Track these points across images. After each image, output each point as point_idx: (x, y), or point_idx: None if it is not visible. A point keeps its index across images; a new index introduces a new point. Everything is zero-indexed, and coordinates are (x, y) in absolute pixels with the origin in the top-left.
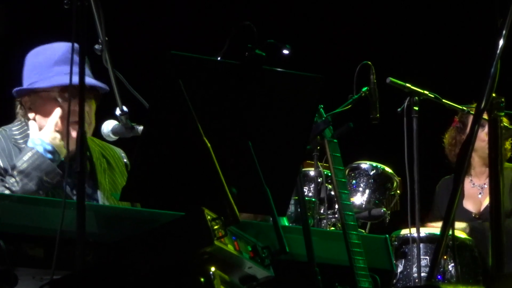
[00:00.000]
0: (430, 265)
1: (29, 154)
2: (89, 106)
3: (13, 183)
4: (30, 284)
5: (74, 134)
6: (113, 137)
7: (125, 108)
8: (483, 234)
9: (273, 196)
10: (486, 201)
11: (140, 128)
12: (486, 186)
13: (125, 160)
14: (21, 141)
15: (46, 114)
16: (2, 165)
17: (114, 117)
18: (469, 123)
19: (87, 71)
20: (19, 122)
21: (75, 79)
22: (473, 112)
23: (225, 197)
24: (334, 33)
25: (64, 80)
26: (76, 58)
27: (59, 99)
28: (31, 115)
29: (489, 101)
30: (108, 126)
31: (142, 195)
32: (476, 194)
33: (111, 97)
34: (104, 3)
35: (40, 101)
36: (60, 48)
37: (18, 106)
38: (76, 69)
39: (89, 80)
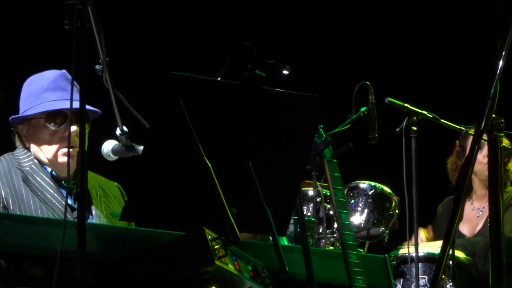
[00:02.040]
0: (430, 285)
1: None
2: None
3: None
4: None
5: (64, 159)
6: (113, 157)
7: (125, 128)
8: (473, 251)
9: (273, 216)
10: (481, 224)
11: (140, 148)
12: (485, 208)
13: (121, 191)
14: (26, 164)
15: (39, 141)
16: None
17: (114, 137)
18: (468, 147)
19: (76, 95)
20: (22, 148)
21: (62, 105)
22: (471, 133)
23: (226, 216)
24: (333, 54)
25: (49, 106)
26: (65, 84)
27: (48, 125)
28: (27, 143)
29: (488, 122)
30: (108, 146)
31: (142, 214)
32: (474, 217)
33: (112, 117)
34: (105, 23)
35: (32, 129)
36: (50, 76)
37: (16, 135)
38: (65, 95)
39: (76, 104)
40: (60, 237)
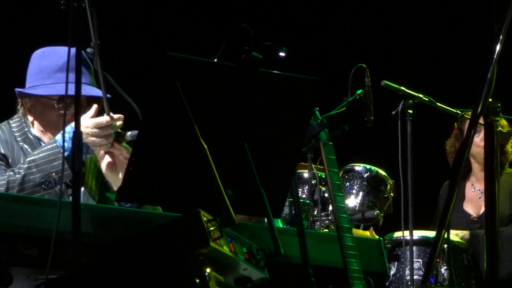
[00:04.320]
0: (425, 268)
1: (49, 146)
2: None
3: (16, 172)
4: (25, 284)
5: None
6: None
7: (112, 114)
8: (481, 243)
9: (268, 198)
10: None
11: (128, 133)
12: None
13: None
14: (19, 138)
15: (45, 120)
16: (2, 151)
17: None
18: (465, 127)
19: (90, 79)
20: (18, 118)
21: (83, 91)
22: (468, 116)
23: (221, 198)
24: (329, 36)
25: (63, 90)
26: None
27: (57, 107)
28: (30, 117)
29: (485, 106)
30: None
31: (138, 196)
32: (476, 198)
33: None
34: (98, 4)
35: (40, 106)
36: (66, 54)
37: (19, 104)
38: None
39: (91, 90)
40: (55, 217)
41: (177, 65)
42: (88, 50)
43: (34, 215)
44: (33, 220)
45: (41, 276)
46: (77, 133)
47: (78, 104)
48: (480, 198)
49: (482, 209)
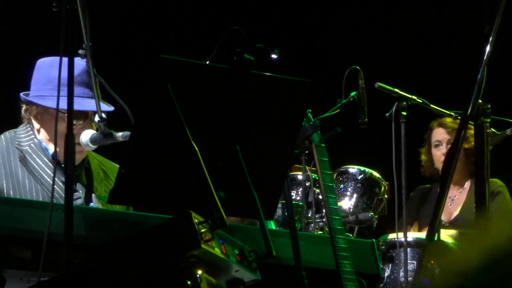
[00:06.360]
0: (416, 269)
1: None
2: (90, 126)
3: None
4: (18, 286)
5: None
6: (92, 146)
7: (103, 115)
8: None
9: (260, 200)
10: (456, 212)
11: (119, 134)
12: (456, 197)
13: None
14: (25, 143)
15: (52, 129)
16: None
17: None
18: (431, 139)
19: (90, 92)
20: (25, 126)
21: (87, 105)
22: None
23: (213, 200)
24: (323, 38)
25: (76, 105)
26: (87, 78)
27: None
28: (36, 125)
29: (475, 108)
30: (87, 136)
31: (130, 198)
32: (447, 205)
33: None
34: (91, 6)
35: (48, 116)
36: (77, 67)
37: (23, 110)
38: (88, 92)
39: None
40: (48, 219)
41: (169, 67)
42: (80, 51)
43: (27, 217)
44: (26, 222)
45: (33, 278)
46: (70, 136)
47: (71, 110)
48: (450, 204)
49: (453, 215)
